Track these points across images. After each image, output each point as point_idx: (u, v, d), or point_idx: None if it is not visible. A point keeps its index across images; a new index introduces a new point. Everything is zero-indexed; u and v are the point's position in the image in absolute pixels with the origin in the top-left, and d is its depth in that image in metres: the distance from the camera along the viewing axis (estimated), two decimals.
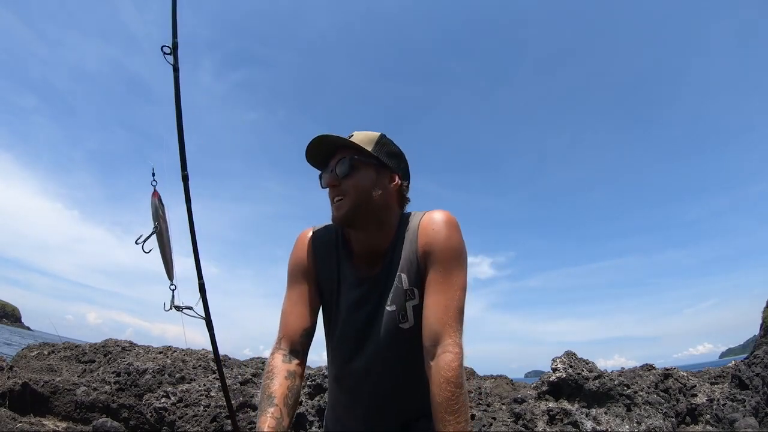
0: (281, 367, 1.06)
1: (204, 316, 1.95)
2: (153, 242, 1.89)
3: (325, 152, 1.15)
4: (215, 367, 4.61)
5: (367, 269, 1.16)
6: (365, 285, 1.14)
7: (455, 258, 1.07)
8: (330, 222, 1.22)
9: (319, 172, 1.20)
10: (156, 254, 1.91)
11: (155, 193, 1.95)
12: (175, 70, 1.82)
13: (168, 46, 1.81)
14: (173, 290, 1.91)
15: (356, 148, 1.13)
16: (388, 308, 1.11)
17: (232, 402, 3.90)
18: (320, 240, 1.22)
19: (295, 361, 1.10)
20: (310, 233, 1.24)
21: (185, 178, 1.89)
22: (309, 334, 1.15)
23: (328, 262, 1.19)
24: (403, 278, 1.10)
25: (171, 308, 1.84)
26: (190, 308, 1.88)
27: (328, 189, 1.16)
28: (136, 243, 1.84)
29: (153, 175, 1.93)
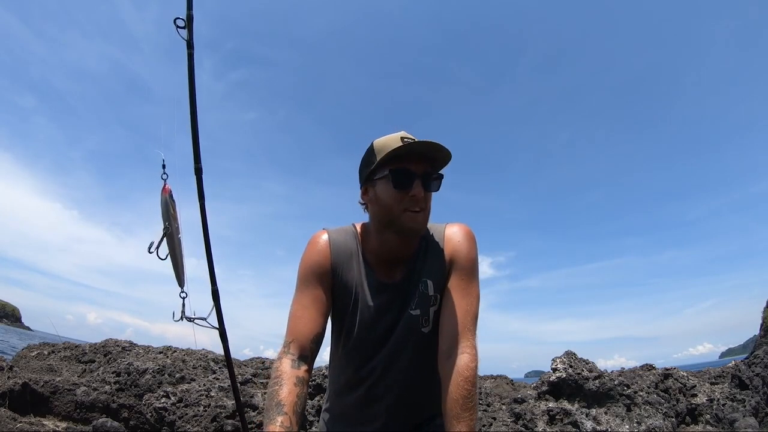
0: (290, 373, 1.02)
1: (217, 326, 1.73)
2: (164, 246, 1.68)
3: (423, 157, 1.11)
4: (215, 367, 4.61)
5: (388, 275, 1.18)
6: (389, 291, 1.17)
7: (474, 268, 1.17)
8: (342, 223, 1.25)
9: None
10: (153, 257, 1.66)
11: (166, 189, 1.69)
12: (189, 46, 1.56)
13: (182, 19, 1.54)
14: (184, 298, 1.70)
15: (442, 168, 1.15)
16: (412, 312, 1.15)
17: (232, 402, 3.90)
18: (340, 245, 1.19)
19: (303, 367, 1.06)
20: (327, 237, 1.20)
21: (198, 171, 1.64)
22: (319, 339, 1.12)
23: (348, 268, 1.18)
24: (429, 285, 1.15)
25: (182, 318, 1.66)
26: (203, 318, 1.70)
27: (400, 191, 1.09)
28: (150, 252, 1.62)
29: (163, 167, 1.67)
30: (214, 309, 1.72)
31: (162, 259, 1.67)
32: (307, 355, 1.08)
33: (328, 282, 1.16)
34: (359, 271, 1.18)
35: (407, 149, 1.08)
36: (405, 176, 1.09)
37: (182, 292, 1.71)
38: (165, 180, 1.68)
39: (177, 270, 1.72)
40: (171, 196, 1.69)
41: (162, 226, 1.66)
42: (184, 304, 1.70)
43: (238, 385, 4.17)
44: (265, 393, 4.09)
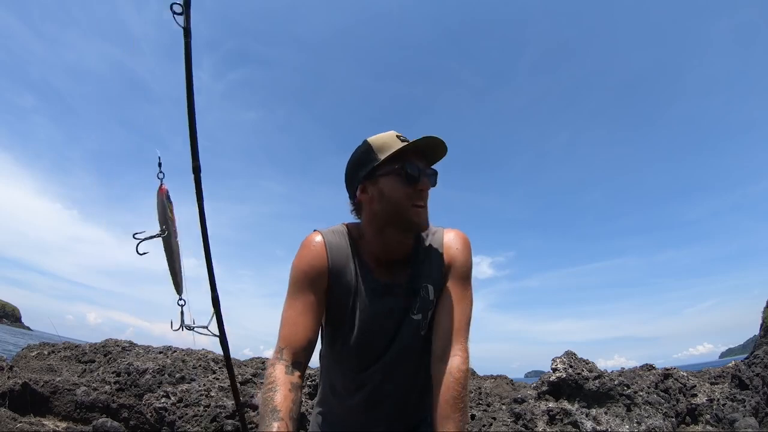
0: (284, 379, 1.01)
1: (218, 334, 1.64)
2: (152, 245, 1.57)
3: (427, 153, 1.14)
4: (215, 367, 4.61)
5: (388, 277, 1.17)
6: (393, 293, 1.16)
7: (469, 275, 1.20)
8: (335, 223, 1.23)
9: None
10: (153, 256, 1.58)
11: (162, 189, 1.59)
12: (187, 33, 1.46)
13: (179, 4, 1.43)
14: (182, 306, 1.59)
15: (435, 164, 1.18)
16: (414, 317, 1.15)
17: (232, 402, 3.90)
18: (336, 246, 1.16)
19: (297, 373, 1.04)
20: (322, 238, 1.17)
21: (196, 169, 1.52)
22: (312, 346, 1.10)
23: (345, 269, 1.15)
24: (430, 290, 1.16)
25: (180, 328, 1.58)
26: (203, 327, 1.62)
27: (409, 185, 1.11)
28: (134, 237, 1.52)
29: (159, 165, 1.56)
30: (215, 316, 1.63)
31: (139, 254, 1.55)
32: (300, 361, 1.06)
33: (324, 285, 1.13)
34: (356, 273, 1.16)
35: (414, 146, 1.10)
36: (415, 170, 1.11)
37: (180, 299, 1.61)
38: (161, 179, 1.58)
39: (174, 276, 1.63)
40: (168, 197, 1.60)
41: (158, 228, 1.57)
42: (182, 312, 1.60)
43: (238, 385, 4.17)
44: None
